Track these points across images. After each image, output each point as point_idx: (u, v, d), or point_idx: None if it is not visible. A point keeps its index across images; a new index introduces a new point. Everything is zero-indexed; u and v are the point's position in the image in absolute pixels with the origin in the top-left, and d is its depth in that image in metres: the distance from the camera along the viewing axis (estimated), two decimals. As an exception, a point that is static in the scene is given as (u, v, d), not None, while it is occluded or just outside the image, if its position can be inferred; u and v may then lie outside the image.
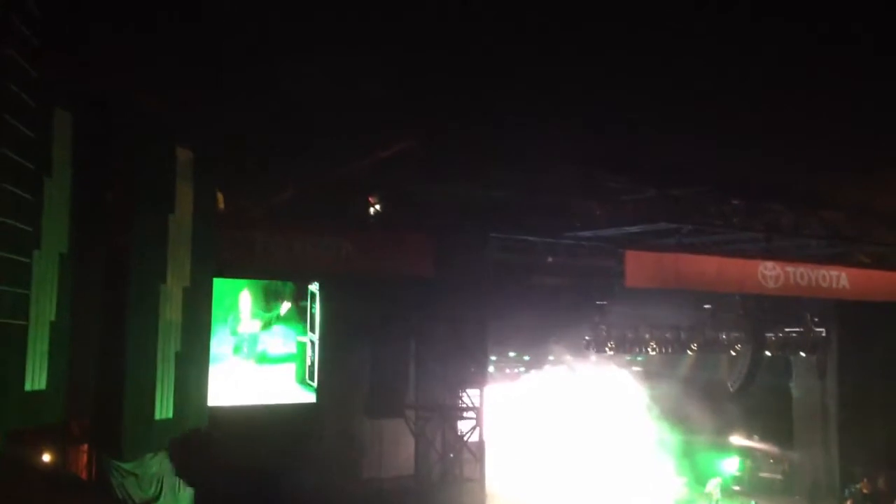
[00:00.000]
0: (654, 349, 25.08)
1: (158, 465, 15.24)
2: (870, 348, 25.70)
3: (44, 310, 12.42)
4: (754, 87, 15.49)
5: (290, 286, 19.13)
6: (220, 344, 17.61)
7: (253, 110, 14.58)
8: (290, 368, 19.19)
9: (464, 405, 20.31)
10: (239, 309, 18.41)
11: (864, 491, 24.80)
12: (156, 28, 11.81)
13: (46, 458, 14.57)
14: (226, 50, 12.74)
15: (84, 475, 14.88)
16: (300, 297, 19.18)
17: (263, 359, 18.81)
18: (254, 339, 18.70)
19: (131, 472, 14.80)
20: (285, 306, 19.03)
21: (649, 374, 28.49)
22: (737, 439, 28.65)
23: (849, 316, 25.66)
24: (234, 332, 18.36)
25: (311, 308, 19.27)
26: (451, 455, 20.20)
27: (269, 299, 18.92)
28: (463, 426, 20.40)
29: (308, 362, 19.26)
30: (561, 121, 15.78)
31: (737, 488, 27.14)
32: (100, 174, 13.39)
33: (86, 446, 14.83)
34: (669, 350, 25.47)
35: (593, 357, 25.05)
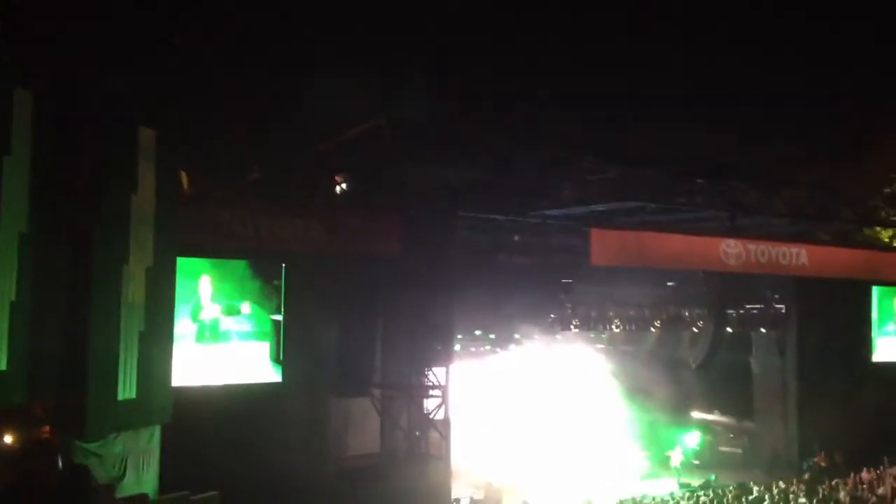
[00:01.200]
0: (618, 326, 25.33)
1: (122, 445, 15.10)
2: (828, 325, 26.14)
3: (4, 290, 12.27)
4: (720, 69, 15.60)
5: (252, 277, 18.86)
6: (182, 329, 17.38)
7: (219, 89, 14.44)
8: (264, 347, 19.03)
9: (430, 383, 20.34)
10: (199, 295, 18.15)
11: (822, 464, 25.28)
12: (120, 9, 11.62)
13: (8, 439, 14.39)
14: (191, 30, 12.57)
15: (46, 456, 14.71)
16: (273, 275, 18.95)
17: (228, 337, 18.59)
18: (215, 323, 18.48)
19: (94, 452, 14.65)
20: (245, 307, 18.69)
21: (613, 351, 28.74)
22: (698, 414, 29.07)
23: (808, 293, 26.06)
24: (195, 319, 18.12)
25: (284, 287, 19.09)
26: (417, 433, 20.25)
27: (232, 285, 18.62)
28: (429, 404, 20.44)
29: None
30: (531, 102, 15.80)
31: (697, 462, 27.54)
32: (61, 153, 13.16)
33: (48, 427, 14.65)
34: (633, 327, 25.75)
35: (558, 335, 25.21)
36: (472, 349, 25.38)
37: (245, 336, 18.75)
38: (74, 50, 12.54)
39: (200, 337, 18.17)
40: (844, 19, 14.84)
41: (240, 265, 18.53)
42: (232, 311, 18.50)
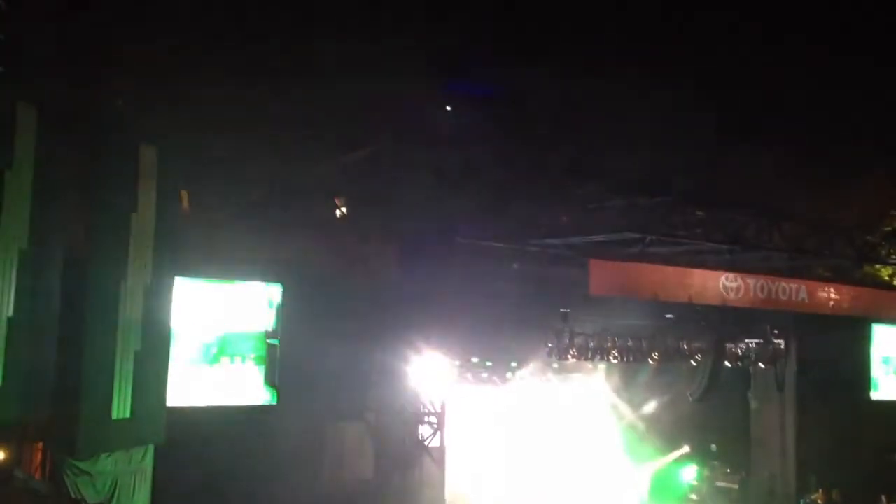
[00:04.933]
0: (615, 357, 25.17)
1: (113, 464, 15.06)
2: (828, 362, 26.04)
3: (1, 305, 12.29)
4: (718, 98, 15.69)
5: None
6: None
7: (220, 108, 14.52)
8: (259, 370, 18.96)
9: (425, 410, 20.29)
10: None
11: (819, 502, 25.14)
12: (124, 25, 11.73)
13: (0, 455, 14.34)
14: (192, 47, 12.68)
15: (38, 474, 14.67)
16: (270, 298, 18.91)
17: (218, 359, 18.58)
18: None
19: (85, 470, 14.62)
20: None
21: (610, 382, 28.62)
22: (694, 448, 28.88)
23: (808, 329, 26.00)
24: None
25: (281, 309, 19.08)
26: (412, 460, 20.16)
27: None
28: (424, 431, 20.37)
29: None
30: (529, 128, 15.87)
31: (693, 497, 27.36)
32: (62, 169, 13.24)
33: (41, 444, 14.61)
34: (631, 358, 25.57)
35: (556, 364, 25.14)
36: (469, 376, 25.24)
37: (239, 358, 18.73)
38: (78, 66, 12.64)
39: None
40: (846, 52, 14.94)
41: (236, 287, 18.54)
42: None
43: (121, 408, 14.42)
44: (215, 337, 18.42)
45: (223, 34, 13.04)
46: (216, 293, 18.38)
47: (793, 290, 23.76)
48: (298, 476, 18.44)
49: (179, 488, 16.17)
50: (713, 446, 28.94)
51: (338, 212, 20.00)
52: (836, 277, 25.49)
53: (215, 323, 18.31)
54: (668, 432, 27.86)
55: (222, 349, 18.47)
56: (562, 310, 23.35)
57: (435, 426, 20.36)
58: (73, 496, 14.39)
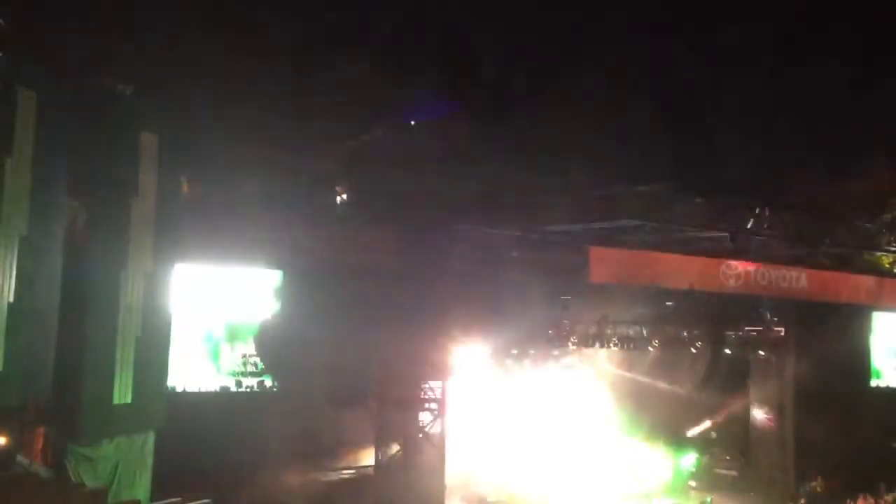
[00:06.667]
0: (616, 344, 25.20)
1: (115, 450, 15.11)
2: (827, 349, 26.04)
3: (2, 291, 12.32)
4: (721, 86, 15.67)
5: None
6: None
7: (221, 95, 14.52)
8: (261, 356, 19.09)
9: (426, 396, 20.34)
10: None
11: (818, 489, 25.19)
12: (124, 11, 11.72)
13: (1, 440, 14.40)
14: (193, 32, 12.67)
15: (39, 459, 14.72)
16: (271, 284, 19.09)
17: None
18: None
19: (87, 456, 14.68)
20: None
21: (611, 369, 28.65)
22: (694, 435, 28.95)
23: (808, 316, 25.98)
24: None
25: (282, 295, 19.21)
26: (412, 446, 20.21)
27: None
28: (424, 417, 20.42)
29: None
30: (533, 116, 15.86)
31: (692, 484, 27.42)
32: (62, 156, 13.23)
33: (42, 429, 14.67)
34: (631, 346, 25.60)
35: (556, 351, 25.15)
36: (470, 363, 25.23)
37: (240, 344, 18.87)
38: (79, 53, 12.63)
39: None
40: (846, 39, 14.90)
41: (238, 273, 18.62)
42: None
43: (122, 393, 14.47)
44: (216, 322, 18.52)
45: (223, 22, 13.03)
46: (217, 278, 18.48)
47: (793, 278, 23.77)
48: (299, 461, 18.51)
49: (179, 473, 16.22)
50: (713, 433, 29.03)
51: (338, 199, 20.00)
52: (837, 265, 25.48)
53: (216, 308, 18.40)
54: (667, 419, 27.90)
55: (223, 335, 18.59)
56: (562, 297, 23.36)
57: (435, 412, 20.40)
58: (74, 481, 14.45)
